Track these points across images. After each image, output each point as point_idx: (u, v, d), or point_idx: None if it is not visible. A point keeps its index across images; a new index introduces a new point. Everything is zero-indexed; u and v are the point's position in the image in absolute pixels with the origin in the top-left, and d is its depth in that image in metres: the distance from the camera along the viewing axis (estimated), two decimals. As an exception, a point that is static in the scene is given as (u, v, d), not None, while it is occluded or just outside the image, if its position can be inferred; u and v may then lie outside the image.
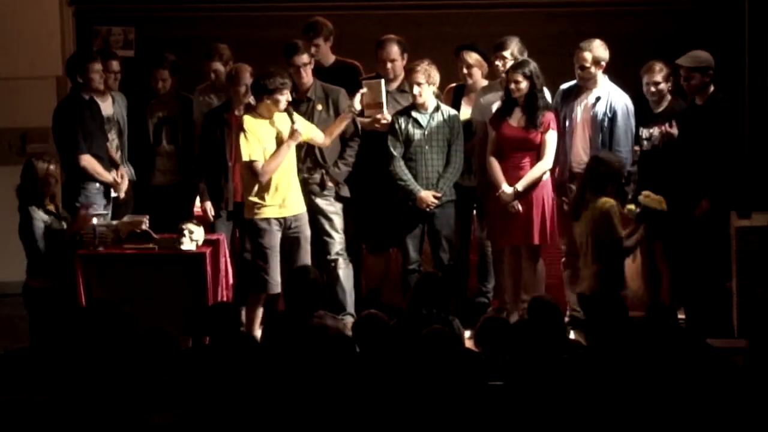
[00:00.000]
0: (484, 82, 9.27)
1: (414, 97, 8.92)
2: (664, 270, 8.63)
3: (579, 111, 8.95)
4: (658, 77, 8.86)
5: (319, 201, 9.09)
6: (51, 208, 8.42)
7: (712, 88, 8.73)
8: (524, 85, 8.77)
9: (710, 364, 6.36)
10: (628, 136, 8.87)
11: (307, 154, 9.06)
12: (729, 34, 10.20)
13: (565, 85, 9.08)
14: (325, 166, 9.08)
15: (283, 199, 8.64)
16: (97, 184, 8.98)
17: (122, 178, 9.15)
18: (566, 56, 9.03)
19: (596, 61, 8.85)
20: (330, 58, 9.50)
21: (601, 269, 7.87)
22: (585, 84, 8.93)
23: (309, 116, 8.97)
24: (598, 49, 8.85)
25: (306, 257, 8.71)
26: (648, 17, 10.41)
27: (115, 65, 9.45)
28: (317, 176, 9.09)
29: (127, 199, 9.27)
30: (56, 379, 6.48)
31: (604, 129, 8.85)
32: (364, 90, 8.89)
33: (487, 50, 9.22)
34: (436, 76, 8.90)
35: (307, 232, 8.76)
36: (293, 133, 8.59)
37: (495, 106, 9.03)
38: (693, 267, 8.62)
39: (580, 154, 8.94)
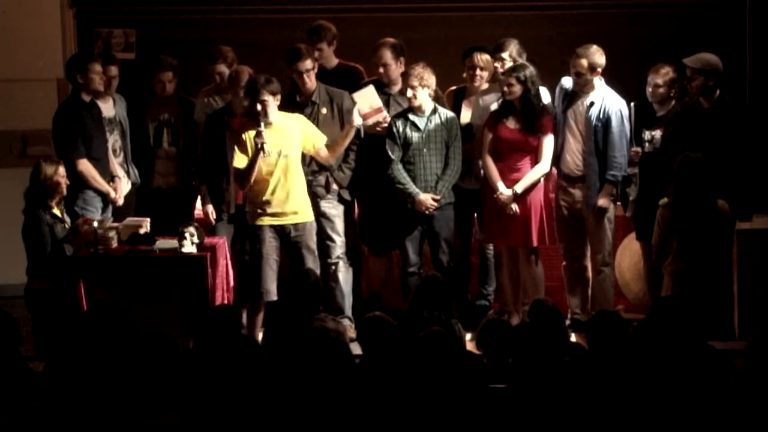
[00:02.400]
0: (486, 85, 9.27)
1: (409, 100, 8.91)
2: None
3: (574, 115, 8.96)
4: (659, 80, 8.84)
5: (323, 204, 9.08)
6: (56, 211, 8.43)
7: (718, 92, 8.70)
8: (517, 89, 8.77)
9: (711, 367, 6.35)
10: (622, 140, 8.87)
11: (312, 157, 9.06)
12: (730, 36, 10.19)
13: (566, 82, 9.06)
14: (330, 169, 9.08)
15: (281, 208, 8.63)
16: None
17: (117, 191, 9.11)
18: (568, 59, 9.02)
19: (592, 68, 8.85)
20: (333, 61, 9.50)
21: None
22: (581, 89, 8.94)
23: (314, 120, 8.95)
24: (594, 56, 8.85)
25: (307, 266, 8.57)
26: (649, 19, 10.41)
27: (113, 70, 9.39)
28: (322, 179, 9.08)
29: (127, 200, 9.27)
30: (57, 381, 6.48)
31: (597, 133, 8.84)
32: (357, 103, 8.83)
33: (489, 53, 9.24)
34: (430, 79, 8.86)
35: (309, 241, 8.71)
36: (259, 151, 8.48)
37: (494, 108, 9.03)
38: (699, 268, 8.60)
39: (576, 158, 8.95)
